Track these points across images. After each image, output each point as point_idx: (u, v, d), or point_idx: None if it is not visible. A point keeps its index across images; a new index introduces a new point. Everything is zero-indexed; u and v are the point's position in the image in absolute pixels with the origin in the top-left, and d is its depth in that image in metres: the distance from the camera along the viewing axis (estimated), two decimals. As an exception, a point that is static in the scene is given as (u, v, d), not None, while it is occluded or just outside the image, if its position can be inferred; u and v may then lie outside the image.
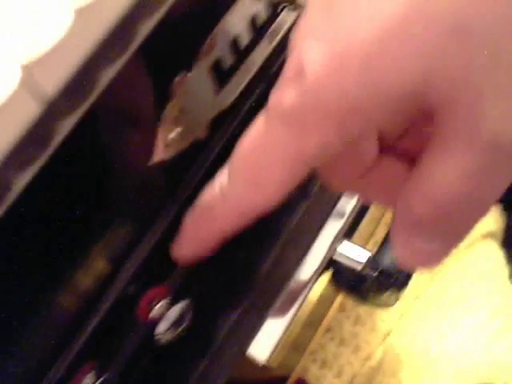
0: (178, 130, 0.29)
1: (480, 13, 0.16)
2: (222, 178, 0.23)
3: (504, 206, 0.94)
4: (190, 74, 0.28)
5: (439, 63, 0.17)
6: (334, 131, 0.19)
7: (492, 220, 0.71)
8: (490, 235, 0.70)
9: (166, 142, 0.29)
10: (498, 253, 0.70)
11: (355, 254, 0.38)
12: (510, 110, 0.17)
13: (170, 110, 0.28)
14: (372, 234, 0.47)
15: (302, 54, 0.19)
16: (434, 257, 0.20)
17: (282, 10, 0.31)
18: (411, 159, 0.21)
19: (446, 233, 0.20)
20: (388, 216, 0.49)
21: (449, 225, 0.19)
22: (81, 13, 0.21)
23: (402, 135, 0.22)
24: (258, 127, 0.21)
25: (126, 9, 0.25)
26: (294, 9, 0.30)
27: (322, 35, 0.18)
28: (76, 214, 0.24)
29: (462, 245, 0.67)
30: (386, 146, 0.22)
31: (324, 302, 0.41)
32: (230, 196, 0.22)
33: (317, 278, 0.37)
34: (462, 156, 0.18)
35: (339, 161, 0.22)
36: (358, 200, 0.40)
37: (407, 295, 0.56)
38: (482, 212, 0.19)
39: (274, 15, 0.31)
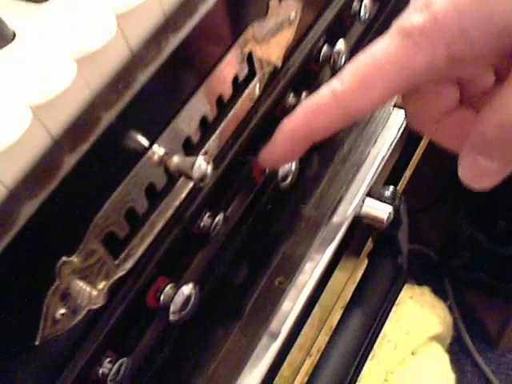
0: (68, 305, 0.28)
1: None
2: (333, 83, 0.26)
3: (453, 303, 0.94)
4: (78, 251, 0.27)
5: None
6: (443, 52, 0.23)
7: (438, 321, 0.70)
8: (436, 338, 0.70)
9: (55, 319, 0.28)
10: (444, 357, 0.69)
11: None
12: None
13: (57, 288, 0.27)
14: (295, 378, 0.46)
15: None
16: (493, 175, 0.25)
17: (178, 178, 0.30)
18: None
19: (507, 154, 0.24)
20: (308, 361, 0.48)
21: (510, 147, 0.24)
22: None
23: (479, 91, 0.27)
24: (380, 42, 0.25)
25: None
26: (189, 178, 0.29)
27: None
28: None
29: (409, 350, 0.66)
30: (464, 98, 0.27)
31: None
32: (340, 96, 0.26)
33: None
34: None
35: (425, 101, 0.27)
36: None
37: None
38: None
39: (170, 183, 0.30)
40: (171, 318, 0.35)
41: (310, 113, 0.27)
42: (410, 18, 0.24)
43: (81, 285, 0.28)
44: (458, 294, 1.07)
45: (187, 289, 0.34)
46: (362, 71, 0.25)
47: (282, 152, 0.29)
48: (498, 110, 0.23)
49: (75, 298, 0.28)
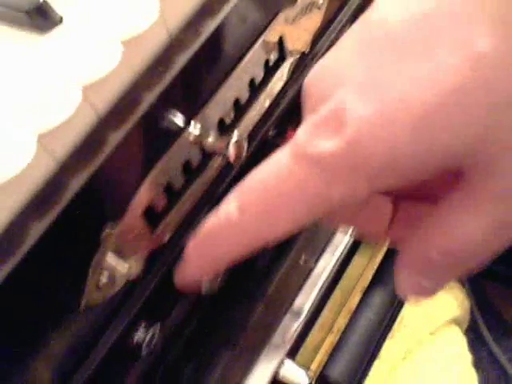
0: (109, 274, 0.30)
1: None
2: (228, 206, 0.21)
3: (468, 290, 0.94)
4: (120, 223, 0.29)
5: (491, 131, 0.18)
6: (366, 183, 0.19)
7: (456, 305, 0.71)
8: (454, 321, 0.71)
9: (97, 286, 0.30)
10: (461, 339, 0.70)
11: (298, 375, 0.38)
12: None
13: (101, 257, 0.29)
14: (316, 353, 0.47)
15: (342, 105, 0.19)
16: (430, 291, 0.22)
17: (212, 157, 0.32)
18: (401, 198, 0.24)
19: (448, 275, 0.22)
20: (329, 339, 0.49)
21: (455, 269, 0.21)
22: None
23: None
24: (280, 164, 0.20)
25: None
26: (223, 156, 0.31)
27: (365, 89, 0.19)
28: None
29: (427, 332, 0.68)
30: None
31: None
32: (240, 225, 0.21)
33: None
34: (489, 213, 0.19)
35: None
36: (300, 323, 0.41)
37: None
38: (488, 259, 0.21)
39: (205, 160, 0.32)
40: (203, 290, 0.37)
41: (210, 242, 0.23)
42: (319, 140, 0.19)
43: (121, 255, 0.30)
44: (474, 284, 1.07)
45: (218, 263, 0.36)
46: (265, 199, 0.20)
47: (192, 277, 0.25)
48: (441, 235, 0.21)
49: (116, 268, 0.30)
